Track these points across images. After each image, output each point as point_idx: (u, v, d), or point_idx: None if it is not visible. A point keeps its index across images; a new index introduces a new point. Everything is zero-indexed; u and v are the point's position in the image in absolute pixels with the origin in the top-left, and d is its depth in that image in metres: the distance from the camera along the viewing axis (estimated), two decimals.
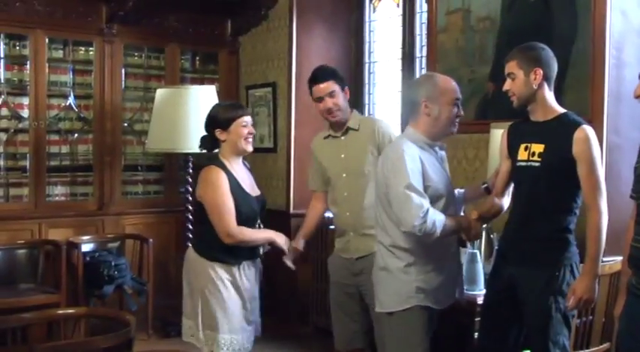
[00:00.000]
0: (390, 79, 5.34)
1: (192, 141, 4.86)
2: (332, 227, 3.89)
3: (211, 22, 5.95)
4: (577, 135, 2.78)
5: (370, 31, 5.55)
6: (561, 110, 2.90)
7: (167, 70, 5.80)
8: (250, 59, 5.97)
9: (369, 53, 5.56)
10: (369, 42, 5.55)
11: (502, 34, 4.04)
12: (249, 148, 3.32)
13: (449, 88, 2.94)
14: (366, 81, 5.54)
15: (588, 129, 2.80)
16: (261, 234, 3.34)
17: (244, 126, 3.27)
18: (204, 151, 3.42)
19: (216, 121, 3.30)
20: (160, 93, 5.09)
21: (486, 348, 3.03)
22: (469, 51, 4.25)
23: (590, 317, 3.23)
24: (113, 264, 4.91)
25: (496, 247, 3.28)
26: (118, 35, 5.48)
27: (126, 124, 5.67)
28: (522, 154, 2.91)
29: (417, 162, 2.84)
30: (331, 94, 3.46)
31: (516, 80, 2.87)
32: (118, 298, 5.10)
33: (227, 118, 3.27)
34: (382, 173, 2.93)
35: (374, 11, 5.53)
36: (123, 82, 5.60)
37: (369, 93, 5.52)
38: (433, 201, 2.85)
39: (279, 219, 4.50)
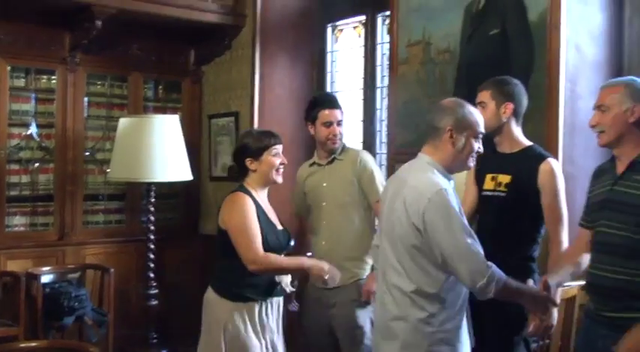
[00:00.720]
0: (352, 109, 5.40)
1: (154, 170, 4.86)
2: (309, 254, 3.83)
3: (175, 51, 5.96)
4: (543, 167, 2.87)
5: (332, 61, 5.64)
6: (528, 143, 3.00)
7: (130, 99, 5.77)
8: (213, 88, 5.98)
9: (331, 83, 5.64)
10: (331, 72, 5.64)
11: (461, 66, 4.13)
12: (280, 179, 3.17)
13: (478, 122, 2.64)
14: None
15: (554, 163, 2.90)
16: (291, 262, 3.06)
17: (275, 155, 3.15)
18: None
19: (248, 150, 3.16)
20: (123, 122, 5.07)
21: None
22: (430, 82, 4.33)
23: (547, 341, 3.29)
24: (73, 294, 4.84)
25: None
26: (80, 64, 5.44)
27: (88, 153, 5.60)
28: (489, 184, 2.98)
29: (454, 199, 2.54)
30: (339, 122, 3.55)
31: (487, 109, 2.95)
32: (78, 329, 5.01)
33: (259, 147, 3.14)
34: (413, 211, 2.51)
35: (336, 41, 5.63)
36: (85, 111, 5.54)
37: None
38: None
39: None
